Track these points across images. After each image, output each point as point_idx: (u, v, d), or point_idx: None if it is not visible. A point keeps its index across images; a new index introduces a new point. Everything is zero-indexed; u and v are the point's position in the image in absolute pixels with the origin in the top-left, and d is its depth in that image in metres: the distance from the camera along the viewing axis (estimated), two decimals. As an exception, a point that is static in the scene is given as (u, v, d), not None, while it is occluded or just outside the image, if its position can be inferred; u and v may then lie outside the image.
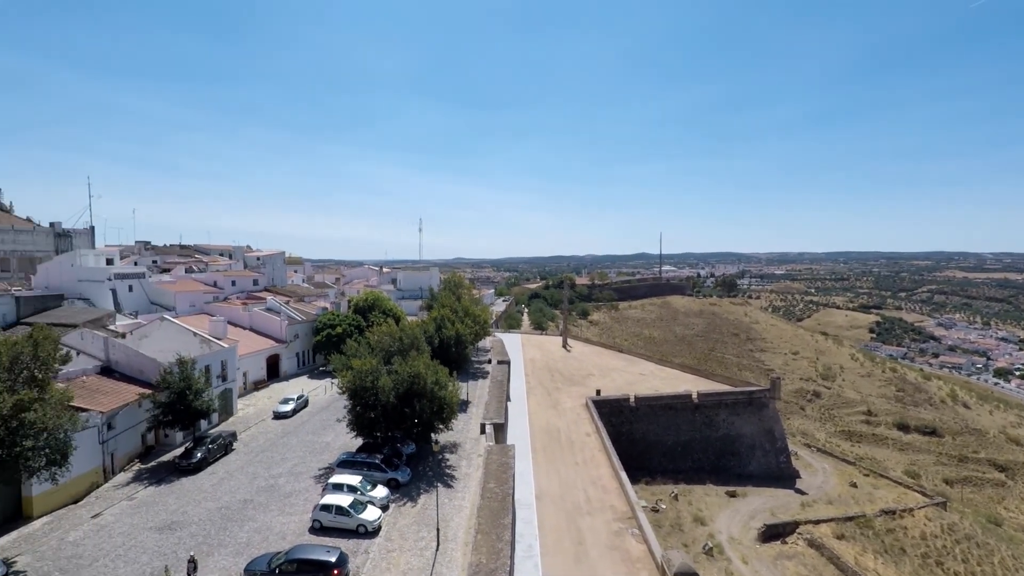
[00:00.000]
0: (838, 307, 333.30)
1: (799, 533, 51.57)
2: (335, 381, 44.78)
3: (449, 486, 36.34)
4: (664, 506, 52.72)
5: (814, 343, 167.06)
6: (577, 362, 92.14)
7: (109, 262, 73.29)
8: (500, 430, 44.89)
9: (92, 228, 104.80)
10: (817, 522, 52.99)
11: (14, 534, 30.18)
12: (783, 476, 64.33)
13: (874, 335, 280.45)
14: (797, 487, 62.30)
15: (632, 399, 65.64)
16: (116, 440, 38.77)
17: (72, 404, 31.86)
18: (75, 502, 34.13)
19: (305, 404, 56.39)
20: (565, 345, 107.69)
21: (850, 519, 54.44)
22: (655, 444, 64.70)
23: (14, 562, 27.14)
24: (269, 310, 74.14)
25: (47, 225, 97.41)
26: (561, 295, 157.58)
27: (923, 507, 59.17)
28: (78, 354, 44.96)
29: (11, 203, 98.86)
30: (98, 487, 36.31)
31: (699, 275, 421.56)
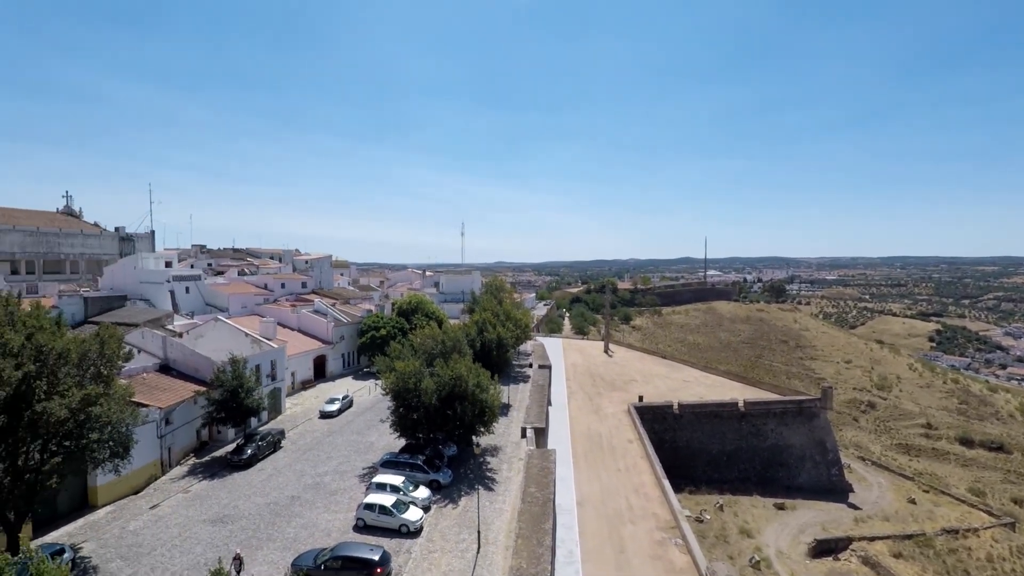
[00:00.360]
0: (895, 314, 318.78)
1: (852, 550, 49.41)
2: (379, 382, 45.56)
3: (490, 489, 36.43)
4: (709, 516, 51.43)
5: (868, 352, 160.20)
6: (619, 367, 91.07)
7: (168, 265, 76.77)
8: (541, 434, 44.76)
9: (153, 232, 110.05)
10: (872, 539, 50.68)
11: (80, 521, 31.89)
12: (835, 489, 61.84)
13: (934, 344, 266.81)
14: (850, 501, 59.79)
15: (676, 406, 64.41)
16: (173, 435, 40.50)
17: (133, 400, 33.49)
18: (135, 493, 35.81)
19: (350, 404, 57.62)
20: (607, 350, 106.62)
21: (908, 537, 51.83)
22: (699, 452, 63.26)
23: (80, 548, 28.66)
24: (316, 312, 76.12)
25: (112, 230, 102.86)
26: (603, 299, 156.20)
27: (989, 527, 55.85)
28: (139, 352, 47.19)
29: (80, 209, 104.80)
30: (156, 479, 37.99)
31: (745, 280, 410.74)
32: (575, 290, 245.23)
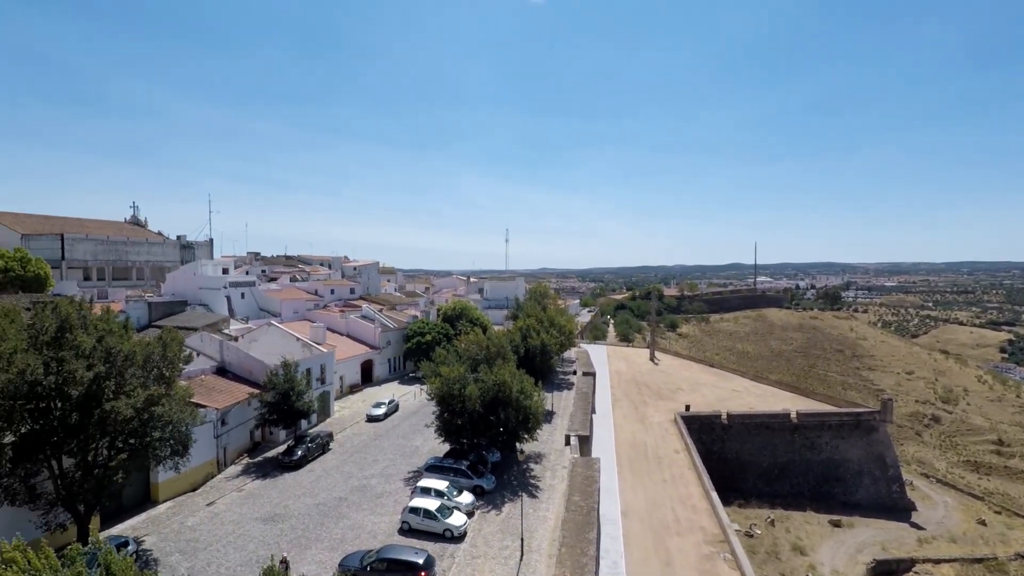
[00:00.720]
0: (961, 323, 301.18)
1: (915, 572, 46.90)
2: (424, 387, 46.21)
3: (533, 496, 36.31)
4: (759, 531, 49.77)
5: (932, 362, 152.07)
6: (665, 375, 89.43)
7: (225, 272, 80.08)
8: (585, 442, 44.36)
9: (211, 240, 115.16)
10: (938, 561, 47.97)
11: (143, 516, 33.49)
12: (896, 507, 58.85)
13: (1006, 355, 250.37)
14: (913, 520, 56.80)
15: (724, 416, 62.74)
16: (228, 435, 42.09)
17: (192, 400, 35.02)
18: (193, 490, 37.36)
19: (396, 408, 58.57)
20: (652, 358, 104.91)
21: (978, 561, 48.84)
22: (749, 465, 61.37)
23: (143, 541, 30.09)
24: (364, 317, 77.83)
25: (174, 238, 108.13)
26: (648, 306, 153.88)
27: (1070, 553, 51.96)
28: (197, 355, 49.29)
29: (146, 219, 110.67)
30: (212, 478, 39.54)
31: (798, 287, 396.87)
32: (620, 296, 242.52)
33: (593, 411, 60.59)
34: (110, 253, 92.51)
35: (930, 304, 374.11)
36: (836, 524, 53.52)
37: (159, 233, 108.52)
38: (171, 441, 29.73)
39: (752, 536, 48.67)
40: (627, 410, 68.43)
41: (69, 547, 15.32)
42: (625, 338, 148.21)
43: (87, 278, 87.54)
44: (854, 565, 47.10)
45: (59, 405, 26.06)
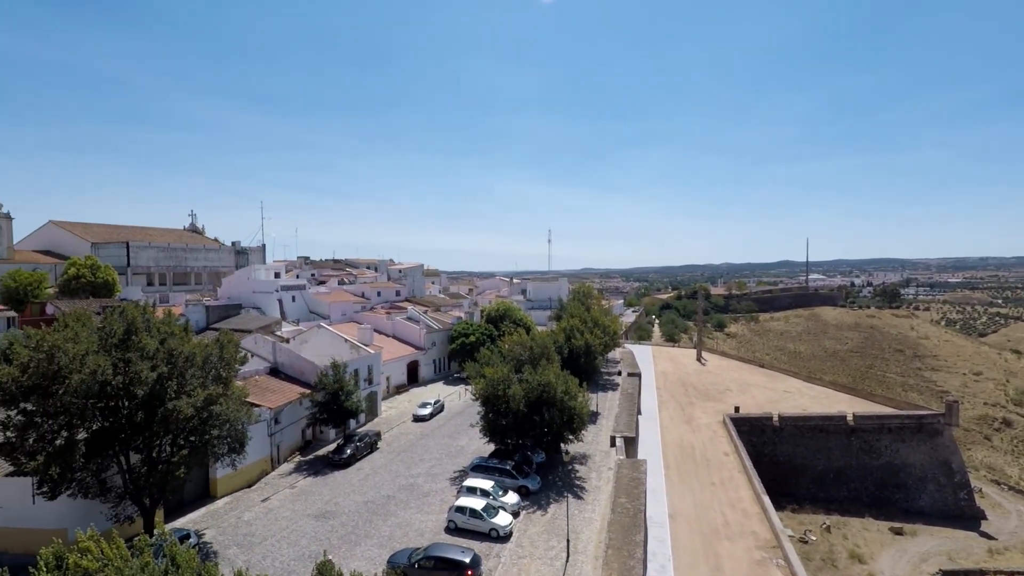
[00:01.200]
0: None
1: (986, 584, 44.33)
2: (469, 387, 46.61)
3: (579, 497, 36.13)
4: (814, 537, 48.05)
5: (1002, 362, 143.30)
6: (713, 376, 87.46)
7: (276, 276, 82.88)
8: (631, 444, 43.85)
9: (264, 246, 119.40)
10: (1011, 573, 45.17)
11: (203, 510, 35.01)
12: (963, 515, 55.77)
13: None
14: (982, 530, 53.71)
15: (776, 418, 60.87)
16: (281, 433, 43.54)
17: (248, 400, 36.37)
18: (249, 486, 38.81)
19: (441, 409, 59.31)
20: (699, 358, 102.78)
21: (1056, 574, 45.75)
22: (802, 468, 59.32)
23: (203, 534, 31.46)
24: (409, 319, 79.15)
25: (229, 244, 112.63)
26: (695, 306, 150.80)
27: None
28: (252, 356, 51.13)
29: (203, 226, 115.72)
30: (266, 475, 40.98)
31: (853, 284, 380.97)
32: (665, 296, 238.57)
33: (639, 412, 59.82)
34: (171, 259, 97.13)
35: (999, 301, 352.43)
36: (898, 532, 51.14)
37: (215, 240, 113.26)
38: (228, 439, 30.99)
39: (807, 542, 47.03)
40: (674, 411, 67.25)
41: (137, 538, 16.18)
42: (671, 338, 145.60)
43: (150, 283, 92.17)
44: (918, 575, 44.90)
45: (126, 404, 27.55)
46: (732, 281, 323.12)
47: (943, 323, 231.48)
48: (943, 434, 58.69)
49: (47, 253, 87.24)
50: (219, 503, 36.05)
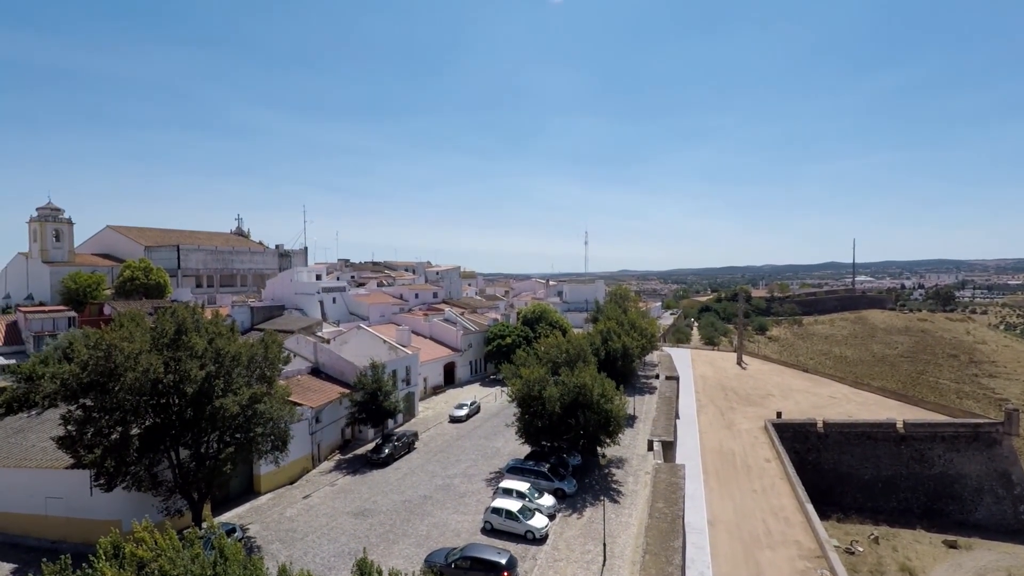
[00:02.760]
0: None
1: (1050, 603, 41.91)
2: (505, 389, 46.81)
3: (615, 501, 35.80)
4: (861, 548, 46.34)
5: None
6: (754, 380, 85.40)
7: (318, 278, 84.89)
8: (668, 448, 43.20)
9: (306, 248, 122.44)
10: (1077, 593, 42.63)
11: (247, 505, 36.12)
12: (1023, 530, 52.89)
13: None
14: (1045, 546, 50.77)
15: (820, 424, 58.99)
16: (322, 432, 44.57)
17: (290, 399, 37.37)
18: (291, 483, 39.86)
19: (477, 410, 59.65)
20: (740, 362, 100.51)
21: None
22: (848, 477, 57.31)
23: (247, 528, 32.45)
24: (446, 321, 79.91)
25: (273, 247, 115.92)
26: (735, 308, 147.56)
27: None
28: (294, 356, 52.50)
29: (248, 230, 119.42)
30: (307, 472, 42.00)
31: (903, 286, 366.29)
32: (704, 298, 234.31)
33: (677, 416, 58.89)
34: (218, 262, 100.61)
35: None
36: (952, 545, 48.84)
37: (260, 243, 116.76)
38: (272, 436, 31.91)
39: (853, 553, 45.38)
40: (713, 416, 65.94)
41: (187, 530, 16.83)
42: (710, 341, 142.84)
43: (199, 285, 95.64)
44: (974, 592, 42.82)
45: (176, 401, 28.69)
46: (774, 283, 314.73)
47: (1002, 327, 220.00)
48: (1002, 444, 55.80)
49: (105, 256, 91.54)
50: (263, 499, 37.12)
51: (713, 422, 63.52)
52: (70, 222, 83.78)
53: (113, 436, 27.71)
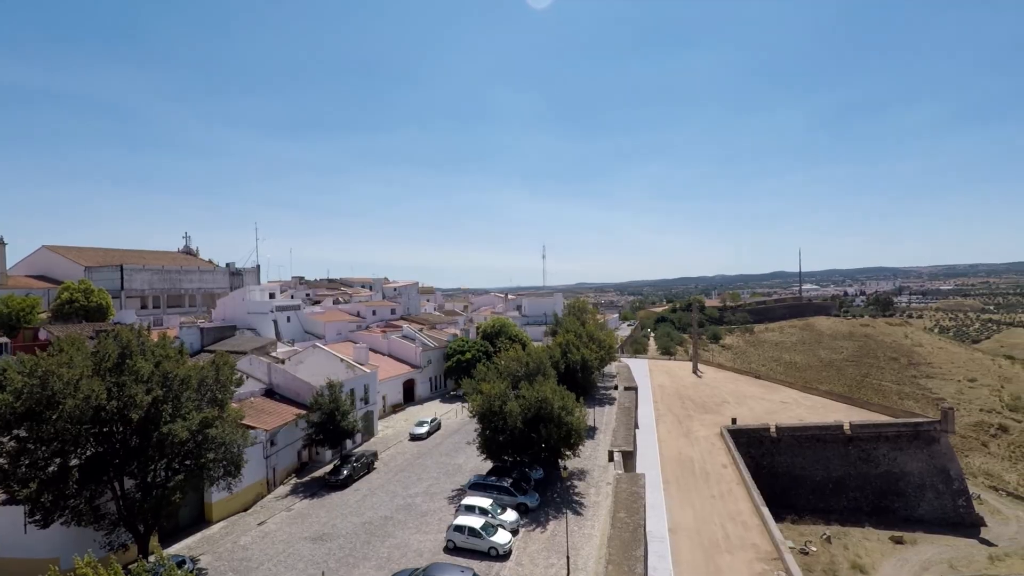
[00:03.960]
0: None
1: (988, 592, 44.18)
2: (465, 405, 46.54)
3: (578, 513, 35.95)
4: (815, 548, 47.86)
5: (997, 368, 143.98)
6: (709, 388, 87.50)
7: (271, 296, 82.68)
8: (629, 458, 43.72)
9: (258, 267, 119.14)
10: (1012, 580, 45.10)
11: (198, 535, 34.59)
12: (963, 523, 55.72)
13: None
14: (982, 537, 53.66)
15: (773, 429, 60.88)
16: (277, 456, 43.20)
17: (243, 422, 36.14)
18: (244, 510, 38.40)
19: (438, 427, 59.00)
20: (695, 371, 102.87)
21: (1058, 580, 45.67)
22: (801, 479, 59.23)
23: (198, 560, 31.06)
24: (405, 337, 79.00)
25: (224, 266, 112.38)
26: (690, 318, 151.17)
27: None
28: (247, 377, 50.89)
29: (197, 248, 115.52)
30: (262, 497, 40.57)
31: (846, 293, 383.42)
32: (660, 309, 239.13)
33: (636, 426, 59.71)
34: (165, 282, 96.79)
35: (991, 307, 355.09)
36: (898, 541, 51.00)
37: (210, 261, 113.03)
38: (224, 462, 30.77)
39: (807, 553, 46.83)
40: (671, 424, 67.16)
41: (135, 564, 16.04)
42: (667, 351, 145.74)
43: (144, 306, 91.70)
44: (920, 585, 44.74)
45: (120, 428, 27.37)
46: (726, 293, 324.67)
47: (936, 330, 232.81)
48: (940, 441, 58.80)
49: (40, 278, 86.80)
50: (215, 528, 35.64)
51: (672, 430, 64.68)
52: (2, 242, 79.25)
53: (50, 468, 26.18)
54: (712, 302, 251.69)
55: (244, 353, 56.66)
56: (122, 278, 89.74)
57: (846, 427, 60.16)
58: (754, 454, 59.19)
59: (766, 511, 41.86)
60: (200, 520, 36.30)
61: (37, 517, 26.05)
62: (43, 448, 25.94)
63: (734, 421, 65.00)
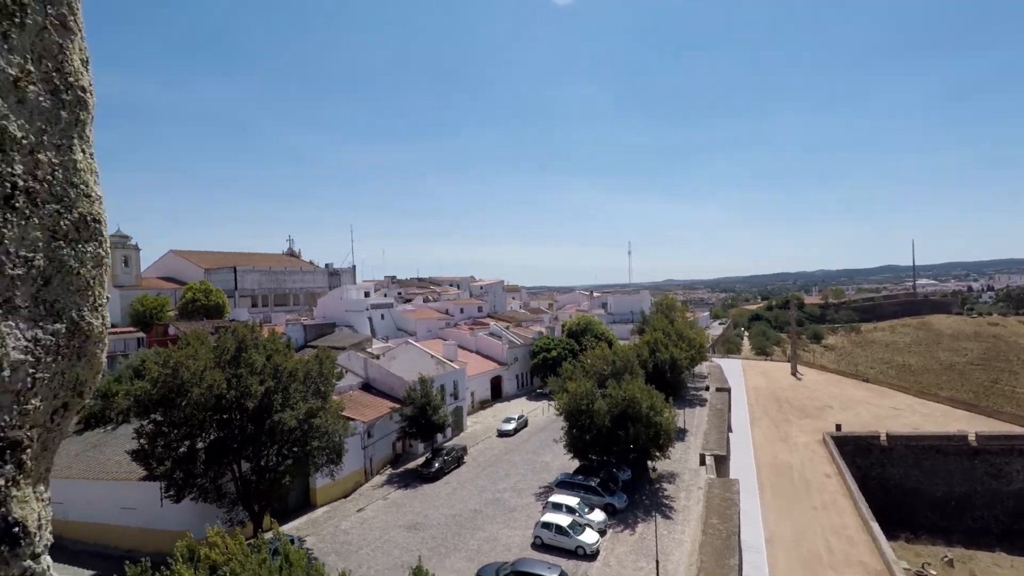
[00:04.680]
0: None
1: None
2: (552, 403, 46.77)
3: (668, 517, 35.17)
4: (935, 572, 43.81)
5: None
6: (810, 391, 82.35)
7: (366, 295, 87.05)
8: (721, 462, 42.19)
9: (354, 267, 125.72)
10: None
11: (304, 518, 37.22)
12: (1119, 552, 48.85)
13: None
14: None
15: (884, 437, 56.35)
16: (374, 446, 45.52)
17: (343, 414, 38.44)
18: (344, 497, 40.82)
19: (525, 424, 59.65)
20: (794, 372, 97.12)
21: None
22: (916, 493, 54.40)
23: (304, 540, 33.43)
24: (492, 335, 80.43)
25: (323, 266, 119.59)
26: (787, 316, 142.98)
27: None
28: (346, 372, 53.92)
29: (299, 250, 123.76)
30: (360, 486, 42.92)
31: (970, 289, 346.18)
32: (754, 307, 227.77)
33: (729, 429, 57.38)
34: (272, 282, 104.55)
35: None
36: (1036, 568, 45.60)
37: (311, 262, 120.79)
38: (327, 450, 32.92)
39: None
40: (767, 429, 63.91)
41: (255, 538, 17.65)
42: (762, 351, 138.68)
43: (254, 304, 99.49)
44: (1063, 618, 39.81)
45: (238, 416, 30.02)
46: (828, 289, 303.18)
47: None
48: (1088, 458, 51.92)
49: (168, 279, 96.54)
50: (318, 512, 38.16)
51: (768, 435, 61.57)
52: (136, 248, 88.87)
53: (181, 449, 29.22)
54: (812, 299, 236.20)
55: (343, 349, 60.02)
56: (236, 279, 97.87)
57: (971, 438, 54.57)
58: (861, 464, 55.07)
59: (876, 527, 38.90)
60: (306, 504, 39.00)
61: (171, 492, 29.18)
62: (175, 431, 29.02)
63: (838, 427, 60.76)
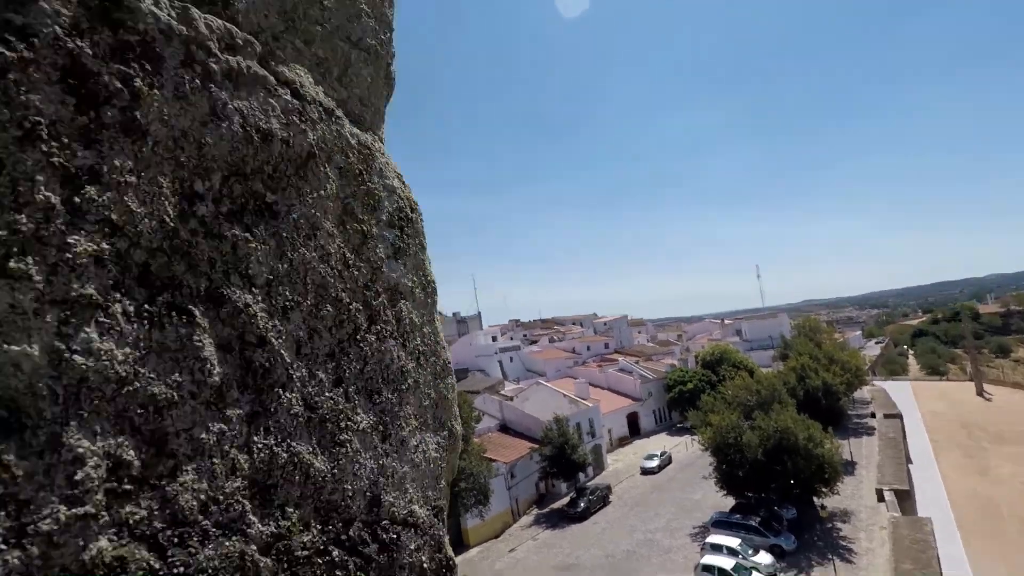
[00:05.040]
0: None
1: None
2: (694, 437, 44.36)
3: (847, 560, 31.39)
4: None
5: None
6: (1004, 414, 70.68)
7: (494, 339, 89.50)
8: (904, 498, 37.04)
9: (479, 313, 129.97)
10: None
11: (459, 558, 37.56)
12: None
13: None
14: None
15: (1117, 464, 46.52)
16: (517, 487, 45.75)
17: (484, 455, 39.24)
18: (495, 537, 41.19)
19: (669, 461, 56.92)
20: (980, 392, 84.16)
21: None
22: None
23: (461, 583, 34.03)
24: (622, 370, 78.62)
25: (451, 315, 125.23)
26: (960, 329, 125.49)
27: None
28: (483, 415, 55.27)
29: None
30: (509, 526, 43.12)
31: None
32: (914, 321, 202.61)
33: (909, 460, 50.57)
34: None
35: None
36: None
37: (440, 313, 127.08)
38: (474, 491, 33.67)
39: None
40: (957, 459, 55.47)
41: None
42: (934, 370, 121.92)
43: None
44: None
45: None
46: (1008, 295, 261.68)
47: None
48: None
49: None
50: (472, 552, 38.77)
51: (959, 466, 53.39)
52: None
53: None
54: (989, 308, 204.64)
55: (477, 392, 61.75)
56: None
57: None
58: (1091, 497, 45.69)
59: None
60: (459, 543, 39.73)
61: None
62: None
63: (1051, 454, 51.23)
